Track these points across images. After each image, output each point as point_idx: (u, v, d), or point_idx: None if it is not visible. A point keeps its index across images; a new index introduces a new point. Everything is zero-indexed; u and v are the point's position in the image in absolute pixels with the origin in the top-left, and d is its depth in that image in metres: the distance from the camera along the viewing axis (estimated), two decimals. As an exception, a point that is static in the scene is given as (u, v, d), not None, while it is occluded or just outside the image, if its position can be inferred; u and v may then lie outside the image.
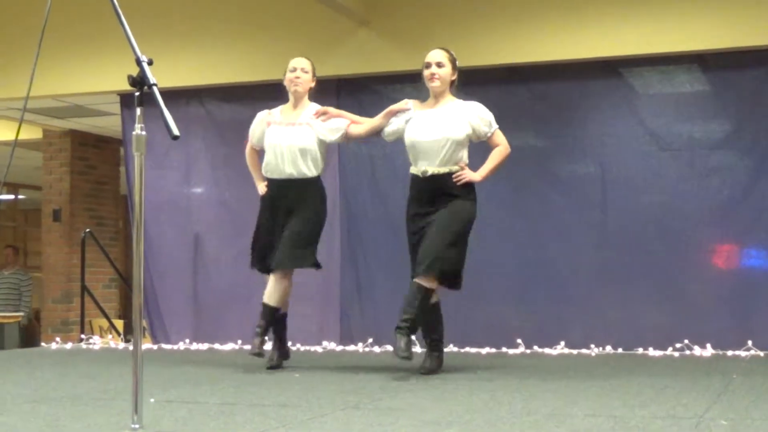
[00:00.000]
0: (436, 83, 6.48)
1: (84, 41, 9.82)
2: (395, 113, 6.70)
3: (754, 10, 8.03)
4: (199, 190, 9.94)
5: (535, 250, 8.46)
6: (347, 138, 7.00)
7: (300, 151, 6.80)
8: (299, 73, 6.97)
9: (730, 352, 7.90)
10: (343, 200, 9.25)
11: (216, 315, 9.58)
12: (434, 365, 6.48)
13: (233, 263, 9.58)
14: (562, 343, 8.29)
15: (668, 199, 8.34)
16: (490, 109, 6.61)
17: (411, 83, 8.99)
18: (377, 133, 6.84)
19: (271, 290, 6.87)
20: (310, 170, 6.84)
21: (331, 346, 9.06)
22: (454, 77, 6.56)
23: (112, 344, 10.22)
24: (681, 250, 8.32)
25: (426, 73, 6.51)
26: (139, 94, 3.79)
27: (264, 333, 6.85)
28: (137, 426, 3.76)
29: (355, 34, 9.06)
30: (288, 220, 6.81)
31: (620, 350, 8.14)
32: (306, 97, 7.04)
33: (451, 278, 6.42)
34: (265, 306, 6.89)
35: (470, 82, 8.18)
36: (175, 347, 9.50)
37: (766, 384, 5.69)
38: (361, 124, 6.93)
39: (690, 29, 8.19)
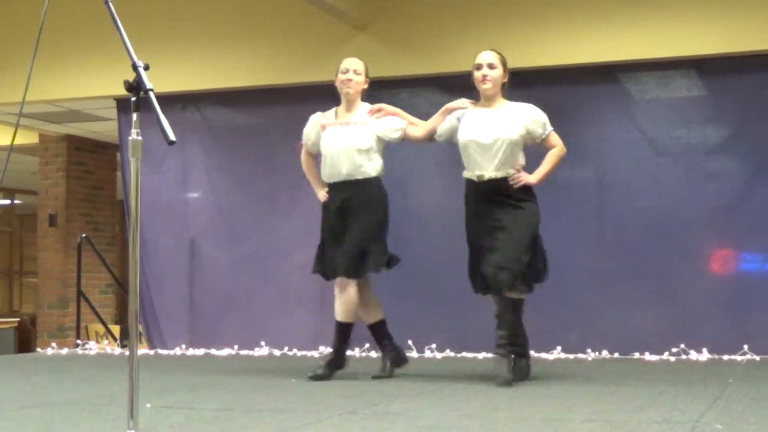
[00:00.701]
0: (488, 85, 6.27)
1: (80, 46, 9.83)
2: (451, 111, 6.44)
3: (751, 15, 8.04)
4: (195, 195, 9.94)
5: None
6: (406, 138, 6.71)
7: (358, 151, 6.53)
8: (351, 75, 6.73)
9: (726, 357, 7.91)
10: (340, 205, 9.24)
11: (212, 320, 9.57)
12: (524, 373, 6.22)
13: (230, 268, 9.60)
14: (559, 347, 8.30)
15: (665, 204, 8.34)
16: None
17: (407, 88, 9.02)
18: (434, 134, 6.57)
19: (337, 305, 6.61)
20: (369, 170, 6.54)
21: (328, 350, 9.02)
22: (506, 79, 6.36)
23: (108, 350, 10.21)
24: (677, 254, 8.33)
25: (477, 75, 6.29)
26: (135, 100, 3.78)
27: (335, 352, 6.69)
28: (133, 431, 3.75)
29: (352, 39, 9.06)
30: (348, 225, 6.53)
31: (617, 355, 8.14)
32: (359, 98, 6.78)
33: (536, 279, 6.31)
34: (336, 324, 6.67)
35: (469, 87, 8.19)
36: (172, 353, 9.50)
37: (762, 388, 5.69)
38: (418, 126, 6.66)
39: (687, 34, 8.20)
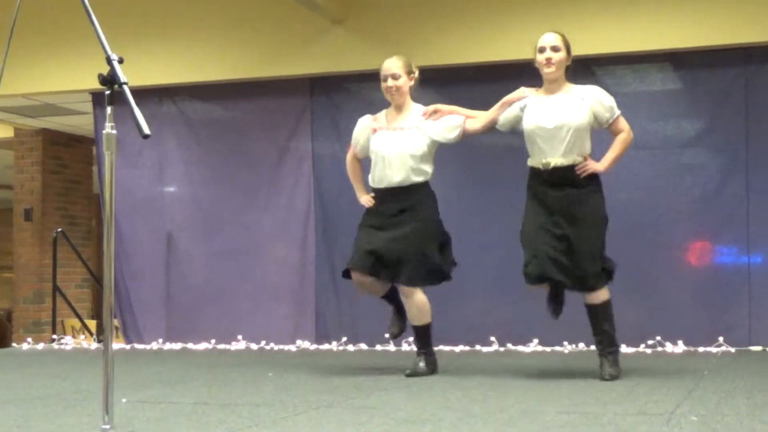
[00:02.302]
0: (552, 69, 6.00)
1: (55, 39, 9.77)
2: (512, 103, 6.24)
3: (726, 9, 8.07)
4: (172, 188, 9.91)
5: (509, 248, 8.39)
6: (465, 134, 6.45)
7: (411, 157, 6.30)
8: (391, 82, 6.43)
9: (701, 349, 7.96)
10: (317, 199, 9.24)
11: (189, 314, 9.55)
12: (615, 370, 5.97)
13: (207, 262, 9.58)
14: (536, 340, 8.33)
15: (642, 197, 8.36)
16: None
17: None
18: (493, 126, 6.37)
19: (410, 313, 6.44)
20: (419, 176, 6.34)
21: (306, 345, 9.05)
22: (569, 62, 6.08)
23: (85, 344, 10.17)
24: (654, 247, 8.36)
25: (540, 58, 6.02)
26: (109, 93, 3.76)
27: (419, 351, 6.50)
28: (108, 426, 3.73)
29: (329, 32, 9.04)
30: (401, 230, 6.29)
31: (593, 347, 8.14)
32: (408, 99, 6.49)
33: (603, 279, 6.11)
34: (382, 298, 6.58)
35: (443, 81, 8.22)
36: (148, 347, 9.47)
37: (736, 380, 5.73)
38: (476, 119, 6.42)
39: (662, 28, 8.22)
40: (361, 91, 9.18)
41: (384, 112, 6.60)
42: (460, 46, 8.64)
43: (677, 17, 8.19)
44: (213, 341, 9.31)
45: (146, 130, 3.64)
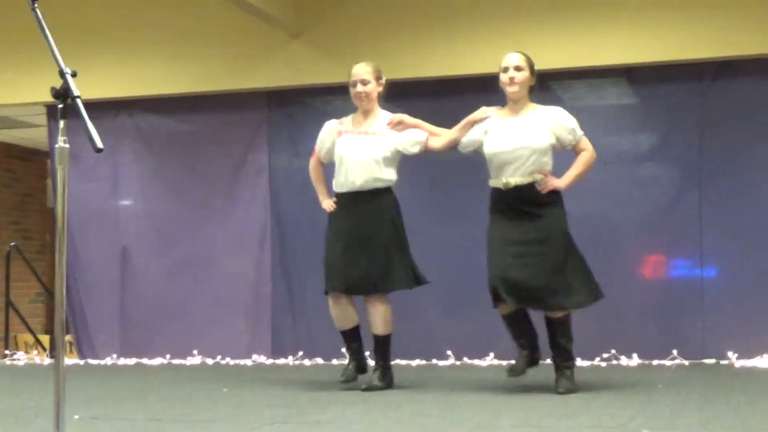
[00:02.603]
0: (515, 88, 6.08)
1: (10, 51, 9.68)
2: (474, 123, 6.29)
3: (680, 25, 8.15)
4: (127, 202, 9.84)
5: (466, 262, 8.45)
6: (426, 151, 6.53)
7: (374, 162, 6.36)
8: (360, 87, 6.47)
9: (655, 362, 8.00)
10: (274, 214, 9.21)
11: (144, 329, 9.47)
12: (571, 384, 6.02)
13: (162, 277, 9.51)
14: (492, 354, 8.34)
15: (596, 211, 8.40)
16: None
17: (342, 96, 9.00)
18: (455, 146, 6.41)
19: (372, 320, 6.42)
20: (382, 182, 6.38)
21: (262, 359, 9.01)
22: (533, 82, 6.17)
23: (38, 360, 10.07)
24: (609, 260, 8.37)
25: (504, 77, 6.10)
26: (62, 107, 3.73)
27: (377, 364, 6.47)
28: (59, 443, 3.70)
29: (286, 46, 9.03)
30: (364, 237, 6.32)
31: (548, 361, 8.17)
32: (375, 105, 6.54)
33: (590, 296, 6.18)
34: (343, 333, 6.51)
35: (403, 95, 8.21)
36: (102, 362, 9.39)
37: (689, 393, 5.77)
38: (439, 137, 6.46)
39: (617, 43, 8.28)
40: (318, 104, 9.18)
41: (350, 116, 6.64)
42: (419, 60, 8.66)
43: (632, 33, 8.26)
44: (168, 356, 9.24)
45: (99, 143, 3.61)
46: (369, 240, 6.32)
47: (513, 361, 6.22)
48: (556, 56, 8.31)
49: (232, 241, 9.34)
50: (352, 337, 6.54)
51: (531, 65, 6.16)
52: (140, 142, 9.72)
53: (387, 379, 6.44)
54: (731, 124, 8.22)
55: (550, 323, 6.11)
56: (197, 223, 9.44)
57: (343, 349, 6.93)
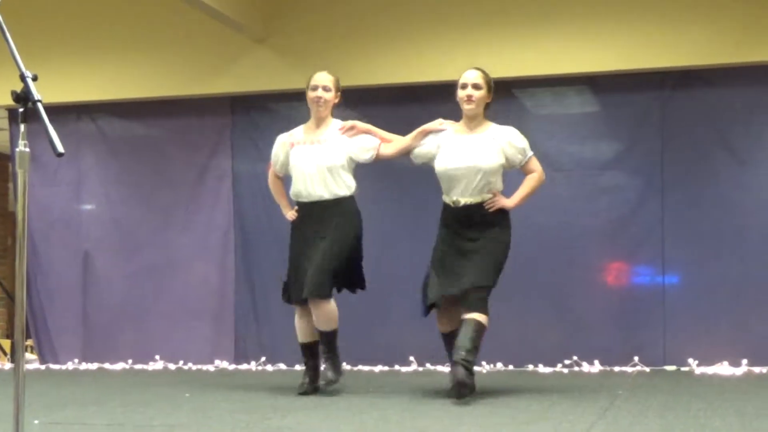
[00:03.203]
0: (471, 106, 6.17)
1: (-29, 54, 9.60)
2: (428, 133, 6.36)
3: (643, 34, 8.21)
4: (89, 207, 9.78)
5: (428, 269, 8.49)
6: (378, 158, 6.54)
7: (329, 170, 6.39)
8: (321, 92, 6.51)
9: (617, 368, 8.05)
10: (237, 219, 9.19)
11: (106, 334, 9.42)
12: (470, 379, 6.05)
13: (125, 281, 9.46)
14: (454, 360, 8.34)
15: (559, 218, 8.44)
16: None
17: (305, 101, 8.97)
18: (407, 153, 6.48)
19: (317, 321, 6.39)
20: (341, 189, 6.41)
21: (224, 365, 8.98)
22: (490, 99, 6.26)
23: (-1, 364, 10.00)
24: (571, 268, 8.45)
25: (461, 94, 6.20)
26: (23, 110, 3.71)
27: (311, 370, 6.51)
28: (18, 449, 3.67)
29: (250, 51, 9.02)
30: (320, 243, 6.34)
31: (511, 367, 8.23)
32: (329, 113, 6.60)
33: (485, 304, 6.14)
34: (303, 346, 6.53)
35: (366, 101, 8.25)
36: (64, 367, 9.33)
37: (649, 400, 5.81)
38: (391, 143, 6.52)
39: (581, 52, 8.33)
40: (282, 110, 9.18)
41: (301, 127, 6.67)
42: (381, 66, 8.68)
43: (596, 41, 8.31)
44: (130, 361, 9.20)
45: (60, 148, 3.59)
46: (325, 243, 6.34)
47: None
48: (520, 64, 8.36)
49: (196, 246, 9.32)
50: (310, 354, 6.55)
51: (489, 83, 6.25)
52: (103, 146, 9.68)
53: (337, 369, 6.47)
54: (693, 133, 8.29)
55: (464, 321, 6.05)
56: (160, 228, 9.41)
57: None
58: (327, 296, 6.32)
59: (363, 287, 6.64)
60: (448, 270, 6.15)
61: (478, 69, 6.28)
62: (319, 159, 6.42)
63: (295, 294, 6.44)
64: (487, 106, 6.29)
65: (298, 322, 6.52)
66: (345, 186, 6.44)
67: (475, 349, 5.95)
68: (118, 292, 9.47)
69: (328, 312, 6.35)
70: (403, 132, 6.55)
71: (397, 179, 8.48)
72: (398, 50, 8.71)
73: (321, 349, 6.52)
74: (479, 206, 6.12)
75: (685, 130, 8.31)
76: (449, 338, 6.25)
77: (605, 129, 8.62)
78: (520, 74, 8.39)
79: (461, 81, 6.24)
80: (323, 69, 6.70)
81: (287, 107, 9.11)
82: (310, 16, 8.93)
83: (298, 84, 8.73)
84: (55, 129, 3.59)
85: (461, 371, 5.81)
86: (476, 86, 6.18)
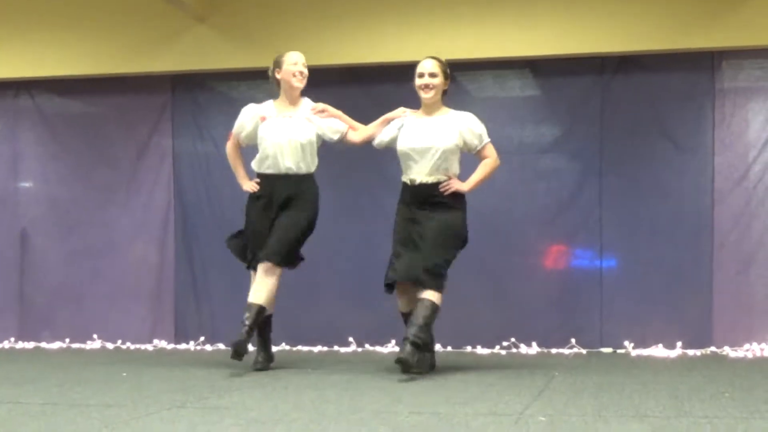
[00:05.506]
0: (430, 94, 6.46)
1: None
2: (391, 121, 6.67)
3: (583, 19, 8.26)
4: (27, 184, 9.65)
5: (369, 251, 8.49)
6: (344, 142, 6.87)
7: (301, 145, 6.66)
8: (302, 68, 6.80)
9: (554, 350, 8.14)
10: (177, 198, 9.13)
11: (43, 313, 9.32)
12: (427, 364, 6.41)
13: (63, 260, 9.37)
14: (393, 341, 8.38)
15: (498, 202, 8.48)
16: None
17: (246, 81, 8.97)
18: (371, 140, 6.79)
19: (257, 287, 6.56)
20: (307, 166, 6.72)
21: (163, 344, 8.94)
22: (446, 87, 6.55)
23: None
24: (510, 251, 8.50)
25: (419, 83, 6.48)
26: (-42, 86, 3.67)
27: (250, 333, 6.48)
28: (-50, 427, 3.64)
29: (191, 29, 8.93)
30: (281, 215, 6.63)
31: (449, 348, 8.27)
32: (299, 91, 6.86)
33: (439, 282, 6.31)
34: (251, 305, 6.53)
35: (309, 83, 8.20)
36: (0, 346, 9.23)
37: (585, 381, 5.88)
38: (357, 131, 6.82)
39: (522, 36, 8.36)
40: (223, 89, 9.12)
41: (271, 102, 6.89)
42: (323, 47, 8.63)
43: (536, 26, 8.34)
44: (67, 340, 9.12)
45: (-5, 124, 3.56)
46: (284, 214, 6.62)
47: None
48: (461, 47, 8.38)
49: (135, 225, 9.25)
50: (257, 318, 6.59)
51: (445, 71, 6.53)
52: (41, 123, 9.55)
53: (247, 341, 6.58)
54: (631, 118, 8.37)
55: (420, 301, 6.23)
56: (99, 207, 9.31)
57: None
58: (286, 266, 6.68)
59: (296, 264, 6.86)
60: (403, 251, 6.36)
61: (433, 58, 6.56)
62: (292, 133, 6.69)
63: (253, 259, 6.69)
64: (444, 93, 6.58)
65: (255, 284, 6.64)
66: (312, 163, 6.76)
67: (426, 326, 6.18)
68: (56, 271, 9.38)
69: (272, 286, 6.57)
70: (357, 114, 6.94)
71: (334, 161, 8.48)
72: (339, 32, 8.68)
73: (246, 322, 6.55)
74: (435, 186, 6.37)
75: (624, 115, 8.39)
76: (408, 317, 6.38)
77: (545, 113, 8.66)
78: (460, 57, 8.39)
79: (418, 70, 6.52)
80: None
81: (228, 86, 9.07)
82: (253, -5, 8.88)
83: (239, 63, 8.74)
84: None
85: (407, 348, 6.03)
86: (433, 74, 6.47)
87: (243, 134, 6.89)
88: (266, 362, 6.83)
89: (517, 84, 8.80)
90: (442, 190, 6.36)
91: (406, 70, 8.11)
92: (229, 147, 7.01)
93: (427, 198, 6.38)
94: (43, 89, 9.51)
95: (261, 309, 6.55)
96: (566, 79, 8.53)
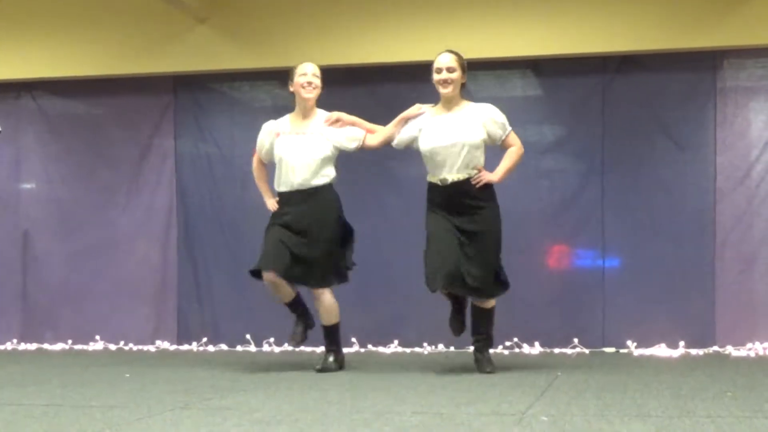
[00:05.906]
0: (448, 89, 6.41)
1: None
2: (407, 120, 6.60)
3: (584, 19, 8.26)
4: (29, 186, 9.65)
5: (371, 250, 8.47)
6: (363, 147, 6.80)
7: (314, 161, 6.61)
8: (311, 78, 6.71)
9: (557, 350, 8.14)
10: (180, 199, 9.13)
11: (46, 314, 9.33)
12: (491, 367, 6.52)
13: (65, 261, 9.37)
14: (396, 341, 8.39)
15: (500, 201, 8.43)
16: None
17: (248, 81, 8.98)
18: (390, 141, 6.72)
19: (320, 313, 6.77)
20: (321, 179, 6.65)
21: (165, 345, 8.95)
22: (464, 80, 6.50)
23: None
24: (512, 250, 8.43)
25: (437, 78, 6.43)
26: (-40, 88, 3.68)
27: (328, 349, 6.84)
28: (-46, 429, 3.65)
29: (192, 30, 8.94)
30: (307, 233, 6.59)
31: (452, 348, 8.28)
32: (315, 103, 6.80)
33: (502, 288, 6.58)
34: (323, 327, 6.81)
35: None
36: (2, 347, 9.23)
37: (588, 381, 5.88)
38: (375, 134, 6.75)
39: (524, 35, 8.36)
40: (225, 90, 9.12)
41: (287, 117, 6.86)
42: (324, 48, 8.63)
43: (539, 26, 8.34)
44: (70, 342, 9.13)
45: (-3, 125, 3.56)
46: (313, 234, 6.59)
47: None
48: (464, 47, 8.29)
49: (138, 225, 9.25)
50: (295, 306, 6.78)
51: (462, 65, 6.48)
52: (44, 124, 9.56)
53: (339, 362, 6.80)
54: (633, 117, 8.37)
55: (478, 311, 6.54)
56: (102, 207, 9.32)
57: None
58: (328, 285, 6.73)
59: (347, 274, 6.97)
60: (449, 261, 6.24)
61: (450, 52, 6.53)
62: (304, 150, 6.64)
63: (270, 264, 6.51)
64: (462, 86, 6.52)
65: (274, 292, 6.66)
66: (325, 176, 6.68)
67: (488, 335, 6.61)
68: (58, 272, 9.39)
69: (328, 304, 6.72)
70: (358, 114, 6.83)
71: (341, 167, 8.49)
72: (340, 32, 8.68)
73: (325, 343, 6.86)
74: (466, 182, 6.32)
75: (626, 115, 8.39)
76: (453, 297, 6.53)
77: (546, 112, 8.67)
78: (464, 57, 8.39)
79: (435, 65, 6.47)
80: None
81: (230, 87, 9.08)
82: (254, -4, 8.88)
83: (241, 64, 8.74)
84: (-7, 106, 3.56)
85: (478, 355, 6.53)
86: (450, 69, 6.43)
87: (263, 151, 6.90)
88: (303, 334, 6.88)
89: (519, 84, 8.80)
90: (473, 183, 6.31)
91: (409, 70, 8.14)
92: (254, 163, 7.03)
93: (461, 197, 6.33)
94: (45, 90, 9.52)
95: (332, 326, 6.82)
96: (568, 78, 8.53)
